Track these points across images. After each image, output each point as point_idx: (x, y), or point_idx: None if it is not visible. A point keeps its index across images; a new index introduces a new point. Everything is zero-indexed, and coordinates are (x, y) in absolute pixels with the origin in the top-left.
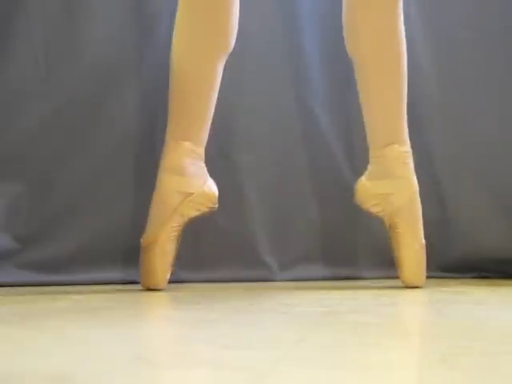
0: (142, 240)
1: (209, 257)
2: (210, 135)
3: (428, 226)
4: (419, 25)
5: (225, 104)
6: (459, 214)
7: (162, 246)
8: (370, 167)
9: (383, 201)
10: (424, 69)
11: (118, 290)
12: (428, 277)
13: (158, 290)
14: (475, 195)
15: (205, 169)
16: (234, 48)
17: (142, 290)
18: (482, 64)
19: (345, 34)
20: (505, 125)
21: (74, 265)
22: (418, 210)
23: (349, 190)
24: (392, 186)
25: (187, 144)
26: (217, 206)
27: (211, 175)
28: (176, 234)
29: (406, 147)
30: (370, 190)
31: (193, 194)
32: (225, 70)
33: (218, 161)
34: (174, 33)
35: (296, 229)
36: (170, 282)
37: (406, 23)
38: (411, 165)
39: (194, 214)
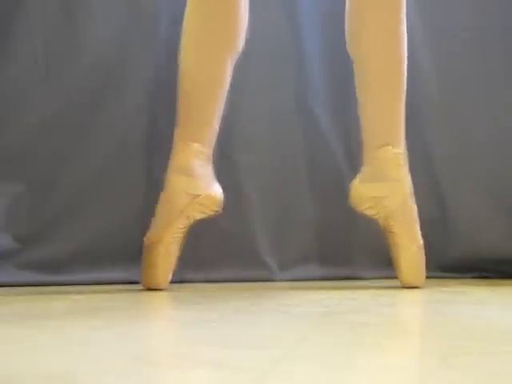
0: (145, 239)
1: (209, 257)
2: None
3: (428, 226)
4: (419, 25)
5: (225, 104)
6: (459, 214)
7: (166, 247)
8: (363, 168)
9: (377, 204)
10: (424, 69)
11: (119, 290)
12: (428, 277)
13: (159, 289)
14: (475, 195)
15: (212, 172)
16: None
17: (142, 290)
18: (481, 64)
19: (347, 33)
20: (505, 125)
21: (74, 265)
22: (413, 211)
23: (349, 190)
24: (385, 189)
25: (196, 145)
26: (221, 209)
27: None
28: (181, 235)
29: (401, 149)
30: (363, 193)
31: (200, 195)
32: None
33: (218, 161)
34: (183, 33)
35: (296, 229)
36: (171, 282)
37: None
38: (405, 167)
39: (199, 216)
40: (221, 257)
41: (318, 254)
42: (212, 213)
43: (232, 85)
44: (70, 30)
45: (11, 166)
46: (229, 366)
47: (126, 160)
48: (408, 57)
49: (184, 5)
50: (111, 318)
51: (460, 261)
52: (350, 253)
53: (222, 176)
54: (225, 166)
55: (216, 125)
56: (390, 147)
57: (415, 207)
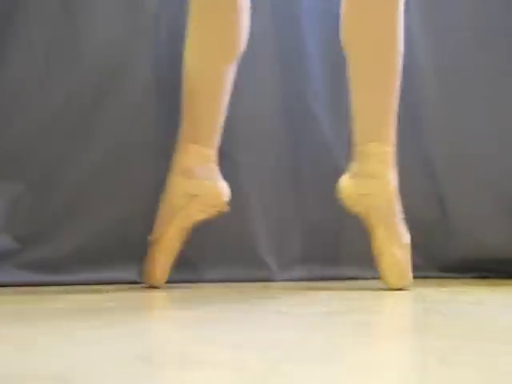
0: (149, 237)
1: (209, 257)
2: None
3: (428, 226)
4: (418, 25)
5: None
6: (459, 214)
7: (165, 245)
8: (352, 163)
9: (359, 201)
10: (424, 69)
11: (119, 290)
12: (428, 277)
13: (156, 287)
14: (475, 195)
15: (216, 171)
16: None
17: (142, 290)
18: (482, 64)
19: (341, 27)
20: (504, 124)
21: (74, 265)
22: (396, 211)
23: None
24: (369, 187)
25: (196, 147)
26: (226, 209)
27: None
28: (181, 234)
29: (390, 147)
30: (347, 189)
31: (197, 195)
32: None
33: (218, 161)
34: (186, 36)
35: (296, 229)
36: (171, 281)
37: (404, 23)
38: (391, 164)
39: (200, 215)
40: (221, 257)
41: (318, 254)
42: (215, 212)
43: (232, 85)
44: (70, 30)
45: (11, 166)
46: (229, 366)
47: (125, 160)
48: (407, 56)
49: (184, 5)
50: (111, 317)
51: (460, 261)
52: (349, 253)
53: (222, 176)
54: (225, 165)
55: (218, 126)
56: (378, 143)
57: (399, 207)
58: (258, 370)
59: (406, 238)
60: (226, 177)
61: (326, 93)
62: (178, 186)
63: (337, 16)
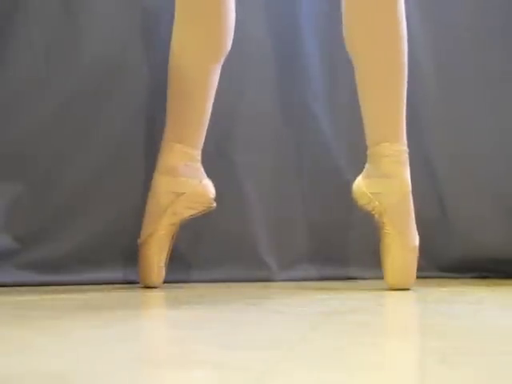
0: (138, 240)
1: (209, 257)
2: (210, 135)
3: (428, 226)
4: (419, 24)
5: (225, 104)
6: (459, 214)
7: (156, 244)
8: (366, 165)
9: (372, 200)
10: (424, 69)
11: (118, 290)
12: (428, 277)
13: (154, 287)
14: (475, 195)
15: (200, 170)
16: (234, 48)
17: (142, 290)
18: (482, 64)
19: (344, 31)
20: (505, 124)
21: (74, 265)
22: (409, 211)
23: (349, 190)
24: (381, 186)
25: (180, 146)
26: (214, 205)
27: (211, 175)
28: (170, 231)
29: (400, 146)
30: (361, 189)
31: (184, 193)
32: (225, 69)
33: (218, 161)
34: (172, 34)
35: (296, 229)
36: (171, 281)
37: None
38: (404, 164)
39: (188, 212)
40: (220, 257)
41: (318, 254)
42: (204, 209)
43: (232, 85)
44: (70, 30)
45: (11, 166)
46: (229, 366)
47: (125, 160)
48: (408, 57)
49: None
50: (111, 317)
51: (460, 261)
52: (349, 253)
53: (221, 176)
54: (225, 165)
55: (203, 126)
56: (388, 143)
57: (412, 207)
58: (257, 370)
59: (416, 240)
60: (226, 177)
61: (326, 93)
62: (163, 185)
63: (336, 16)
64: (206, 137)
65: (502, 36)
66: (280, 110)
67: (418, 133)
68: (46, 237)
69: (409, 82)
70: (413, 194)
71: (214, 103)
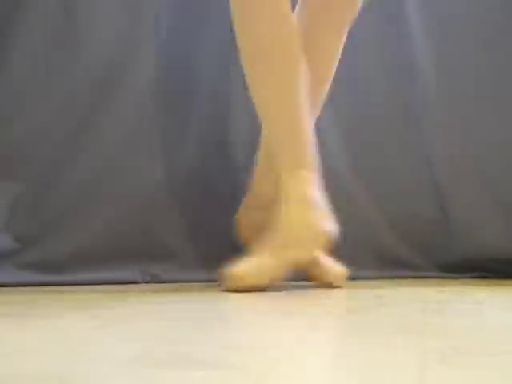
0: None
1: (209, 257)
2: (210, 134)
3: (428, 226)
4: (418, 25)
5: (225, 104)
6: (459, 214)
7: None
8: None
9: None
10: (424, 69)
11: (119, 290)
12: (428, 277)
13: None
14: (475, 195)
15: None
16: (234, 49)
17: (141, 290)
18: (482, 64)
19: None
20: (505, 124)
21: (74, 265)
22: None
23: (348, 191)
24: None
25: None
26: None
27: (211, 174)
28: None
29: None
30: None
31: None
32: (225, 69)
33: (218, 161)
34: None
35: None
36: (170, 281)
37: (404, 22)
38: None
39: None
40: (220, 256)
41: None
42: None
43: (232, 84)
44: (70, 30)
45: (11, 166)
46: (229, 366)
47: (125, 160)
48: (407, 56)
49: (185, 4)
50: (111, 317)
51: (460, 261)
52: (350, 253)
53: (221, 176)
54: (225, 165)
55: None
56: None
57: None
58: (257, 370)
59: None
60: (226, 177)
61: (326, 93)
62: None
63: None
64: (206, 137)
65: (502, 36)
66: None
67: (418, 133)
68: (46, 237)
69: (409, 83)
70: (413, 194)
71: (214, 104)
